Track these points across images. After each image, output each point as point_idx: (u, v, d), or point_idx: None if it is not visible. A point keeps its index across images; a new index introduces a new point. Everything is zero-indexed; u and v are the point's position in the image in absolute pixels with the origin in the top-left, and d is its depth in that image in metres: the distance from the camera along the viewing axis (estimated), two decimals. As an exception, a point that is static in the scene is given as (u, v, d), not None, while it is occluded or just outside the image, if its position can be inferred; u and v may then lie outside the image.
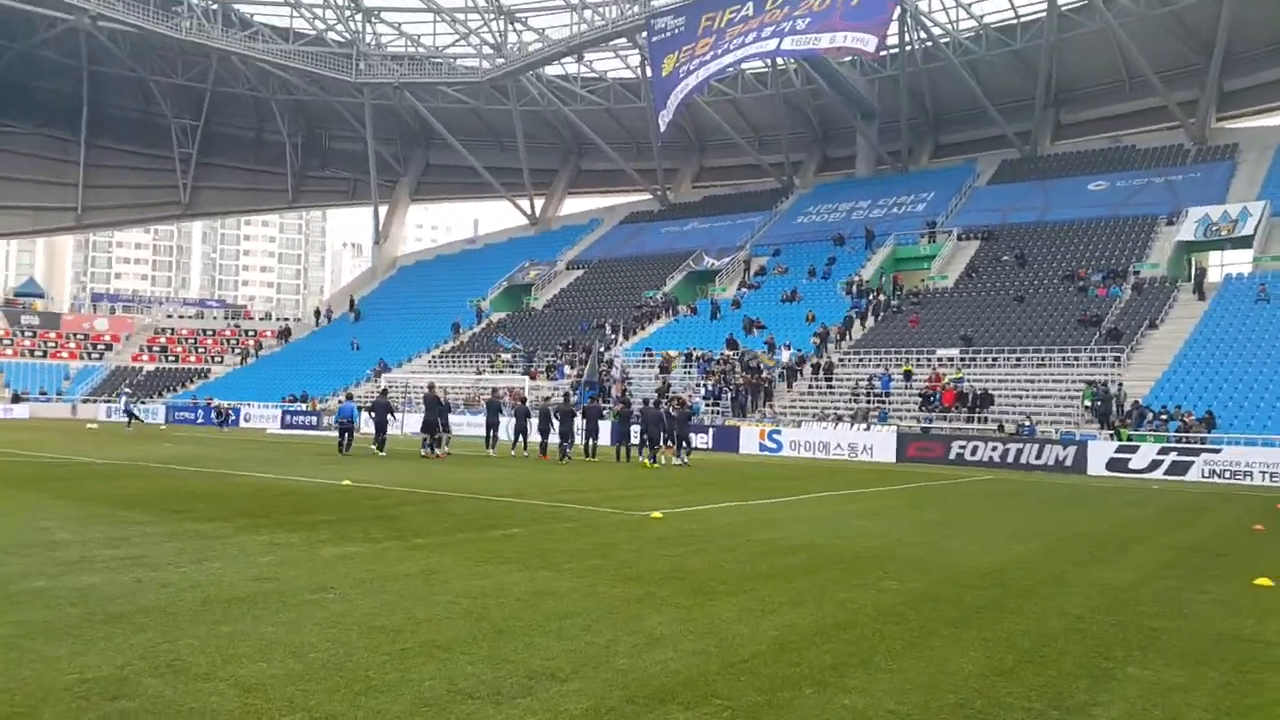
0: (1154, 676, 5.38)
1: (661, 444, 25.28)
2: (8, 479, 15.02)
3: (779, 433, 33.79)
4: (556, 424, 26.08)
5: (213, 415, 45.41)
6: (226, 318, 71.37)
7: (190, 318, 70.71)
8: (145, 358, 62.83)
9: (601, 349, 45.59)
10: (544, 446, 26.50)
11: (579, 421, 27.18)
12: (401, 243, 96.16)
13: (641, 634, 5.77)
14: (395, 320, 62.53)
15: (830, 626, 6.25)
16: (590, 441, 26.43)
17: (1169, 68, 51.34)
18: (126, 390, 47.12)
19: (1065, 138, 58.84)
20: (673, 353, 43.84)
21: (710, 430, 35.02)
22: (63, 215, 71.62)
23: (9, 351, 60.48)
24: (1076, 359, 36.16)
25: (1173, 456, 26.91)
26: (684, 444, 25.54)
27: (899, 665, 5.35)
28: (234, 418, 46.33)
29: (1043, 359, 36.84)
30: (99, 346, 63.86)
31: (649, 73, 55.51)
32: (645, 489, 16.82)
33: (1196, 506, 17.38)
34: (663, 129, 50.59)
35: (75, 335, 64.20)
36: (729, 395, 38.79)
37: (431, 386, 27.27)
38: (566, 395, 30.65)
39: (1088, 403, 31.45)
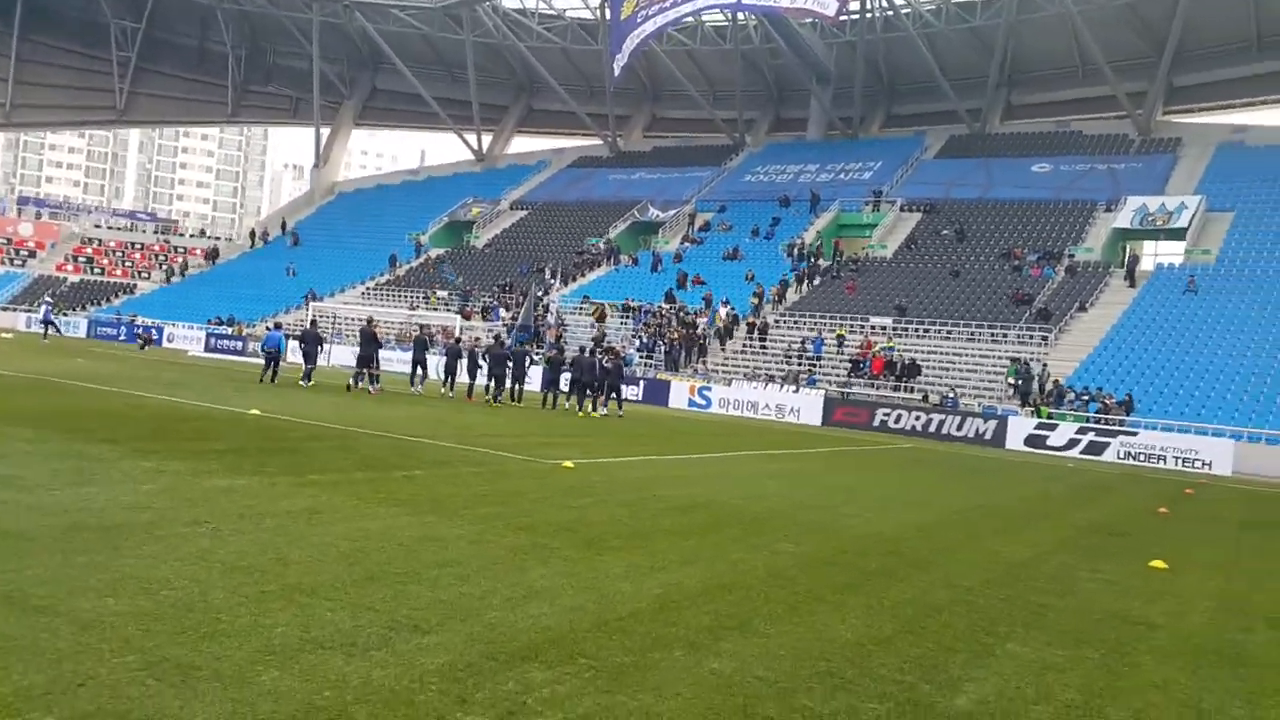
0: (1033, 654, 5.39)
1: (590, 394, 25.37)
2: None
3: (709, 389, 33.87)
4: (485, 366, 25.80)
5: (134, 333, 43.98)
6: (157, 232, 69.08)
7: (120, 229, 68.29)
8: (70, 268, 60.68)
9: (539, 293, 45.13)
10: (470, 389, 26.22)
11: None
12: (345, 169, 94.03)
13: (521, 586, 5.62)
14: (331, 248, 61.11)
15: (716, 587, 6.17)
16: (517, 387, 26.12)
17: (1122, 58, 51.80)
18: (48, 300, 45.34)
19: (1015, 118, 59.25)
20: (605, 303, 43.57)
21: (641, 383, 34.96)
22: (-12, 110, 68.48)
23: (-78, 251, 57.99)
24: (1005, 336, 36.77)
25: (1090, 436, 27.56)
26: (615, 395, 25.46)
27: (777, 630, 5.29)
28: (156, 338, 45.04)
29: (973, 333, 37.39)
30: (22, 253, 61.49)
31: (608, 15, 54.40)
32: (565, 438, 16.68)
33: (1106, 486, 17.80)
34: (616, 73, 49.76)
35: (-4, 239, 61.72)
36: (662, 349, 38.71)
37: (370, 321, 26.77)
38: (498, 337, 30.19)
39: (1010, 379, 32.00)
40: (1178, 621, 6.61)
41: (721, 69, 62.91)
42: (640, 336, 40.43)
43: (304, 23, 65.31)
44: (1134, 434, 27.14)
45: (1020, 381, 31.61)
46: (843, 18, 52.95)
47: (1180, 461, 25.85)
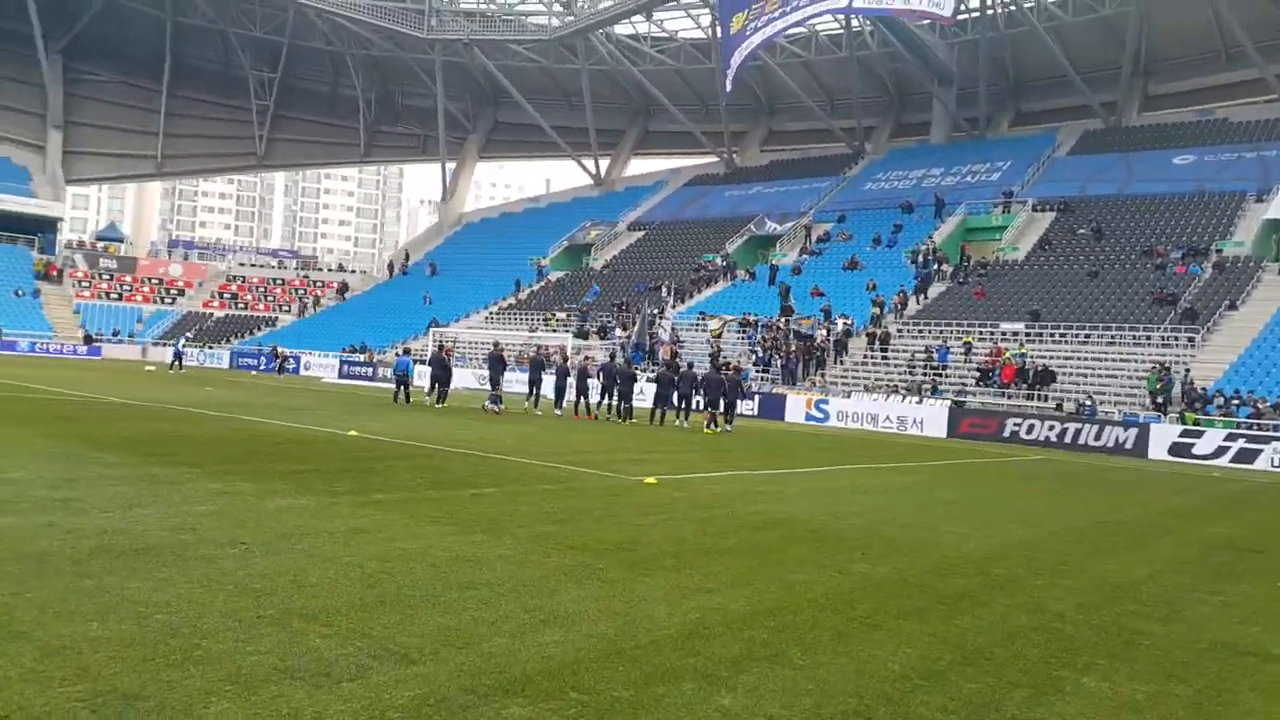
0: (1110, 690, 4.71)
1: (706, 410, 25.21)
2: (11, 415, 15.09)
3: (826, 403, 32.93)
4: (598, 384, 26.09)
5: (273, 361, 46.09)
6: (297, 268, 72.45)
7: (262, 267, 71.97)
8: (215, 304, 64.18)
9: (654, 311, 44.95)
10: (577, 405, 26.24)
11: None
12: (475, 200, 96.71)
13: (543, 611, 5.27)
14: (457, 276, 62.77)
15: (762, 612, 5.67)
16: (623, 404, 25.99)
17: (1268, 38, 48.32)
18: (187, 335, 48.38)
19: (1153, 109, 55.91)
20: (716, 318, 43.12)
21: (756, 397, 34.28)
22: (143, 163, 73.27)
23: (86, 293, 62.21)
24: (1148, 338, 34.47)
25: (1240, 443, 25.43)
26: (728, 410, 25.02)
27: (814, 660, 4.77)
28: (293, 365, 47.04)
29: (1113, 337, 35.21)
30: (172, 291, 65.37)
31: (719, 33, 54.18)
32: (662, 454, 16.31)
33: (1252, 498, 16.24)
34: (728, 88, 49.41)
35: (150, 280, 65.78)
36: (779, 362, 37.94)
37: (496, 345, 27.99)
38: (613, 355, 30.23)
39: (1151, 389, 29.87)
40: (1300, 650, 5.73)
41: (837, 78, 61.77)
42: (756, 350, 39.75)
43: (428, 64, 67.51)
44: (1291, 439, 24.88)
45: (1159, 389, 29.47)
46: (960, 17, 51.38)
47: (1345, 468, 23.55)
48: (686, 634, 5.04)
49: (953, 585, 6.91)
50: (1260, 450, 25.09)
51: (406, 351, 36.50)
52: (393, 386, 27.97)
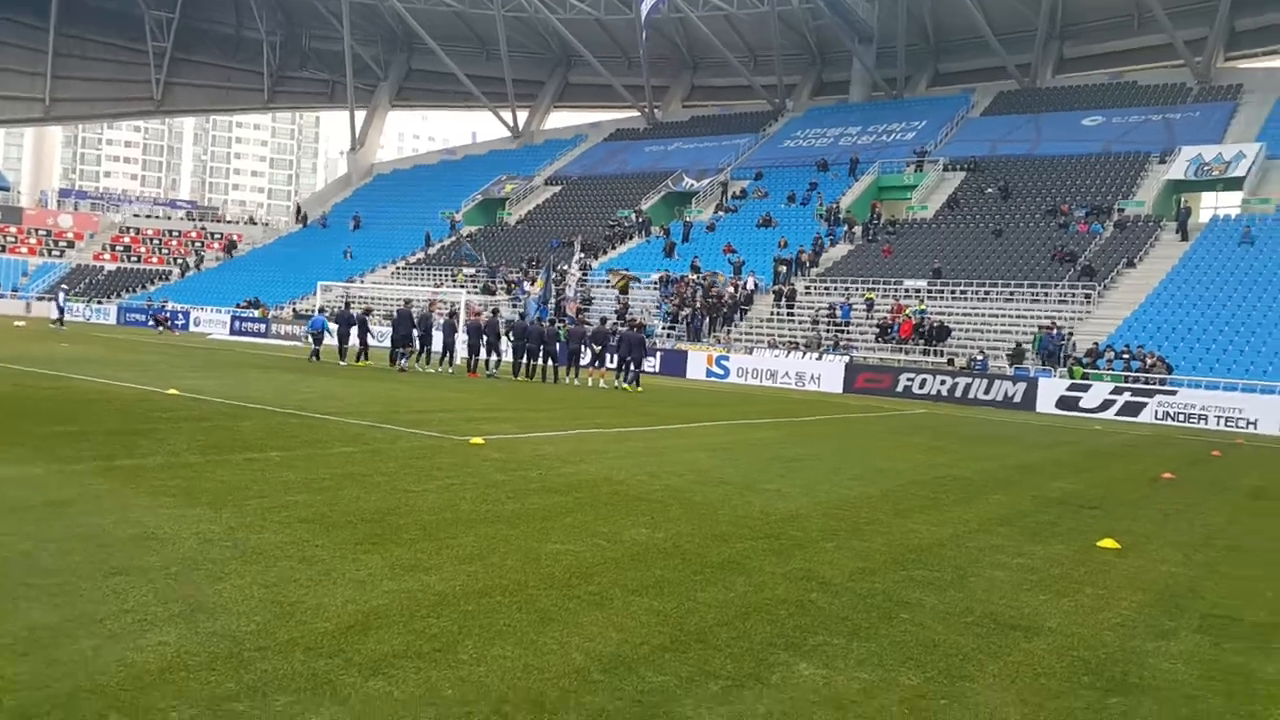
0: (823, 679, 4.07)
1: (594, 365, 24.62)
2: None
3: (727, 359, 32.47)
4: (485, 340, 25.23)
5: (151, 318, 44.15)
6: (194, 219, 69.55)
7: (158, 218, 68.88)
8: (107, 256, 61.31)
9: (564, 267, 43.96)
10: (471, 363, 25.43)
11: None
12: (396, 151, 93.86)
13: (183, 602, 4.42)
14: (365, 230, 60.77)
15: (472, 592, 4.94)
16: (492, 357, 25.23)
17: (1179, 4, 48.72)
18: (64, 288, 46.19)
19: (1067, 71, 56.22)
20: (625, 272, 42.39)
21: (658, 354, 33.68)
22: (30, 105, 69.40)
23: (-37, 244, 59.08)
24: (1046, 296, 34.65)
25: (1126, 397, 25.63)
26: (628, 368, 24.38)
27: (481, 654, 4.04)
28: (175, 321, 45.16)
29: (1010, 294, 35.31)
30: (60, 244, 62.30)
31: (636, -20, 52.79)
32: (525, 412, 15.53)
33: (1120, 451, 16.07)
34: (641, 36, 48.16)
35: (38, 231, 62.61)
36: (684, 319, 37.38)
37: (407, 302, 28.44)
38: (495, 311, 29.35)
39: (1035, 353, 29.90)
40: (1076, 623, 5.19)
41: (761, 33, 60.77)
42: (661, 306, 39.12)
43: (337, 5, 64.77)
44: (1173, 393, 25.11)
45: (1045, 351, 29.58)
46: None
47: (1223, 421, 23.86)
48: (348, 626, 4.28)
49: (727, 551, 6.27)
50: (1145, 404, 25.29)
51: (321, 310, 35.35)
52: (299, 344, 27.51)
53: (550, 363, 24.91)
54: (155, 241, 63.90)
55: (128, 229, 64.93)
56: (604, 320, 28.18)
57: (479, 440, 10.90)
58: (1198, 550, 7.49)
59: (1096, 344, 29.71)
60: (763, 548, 6.45)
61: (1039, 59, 54.18)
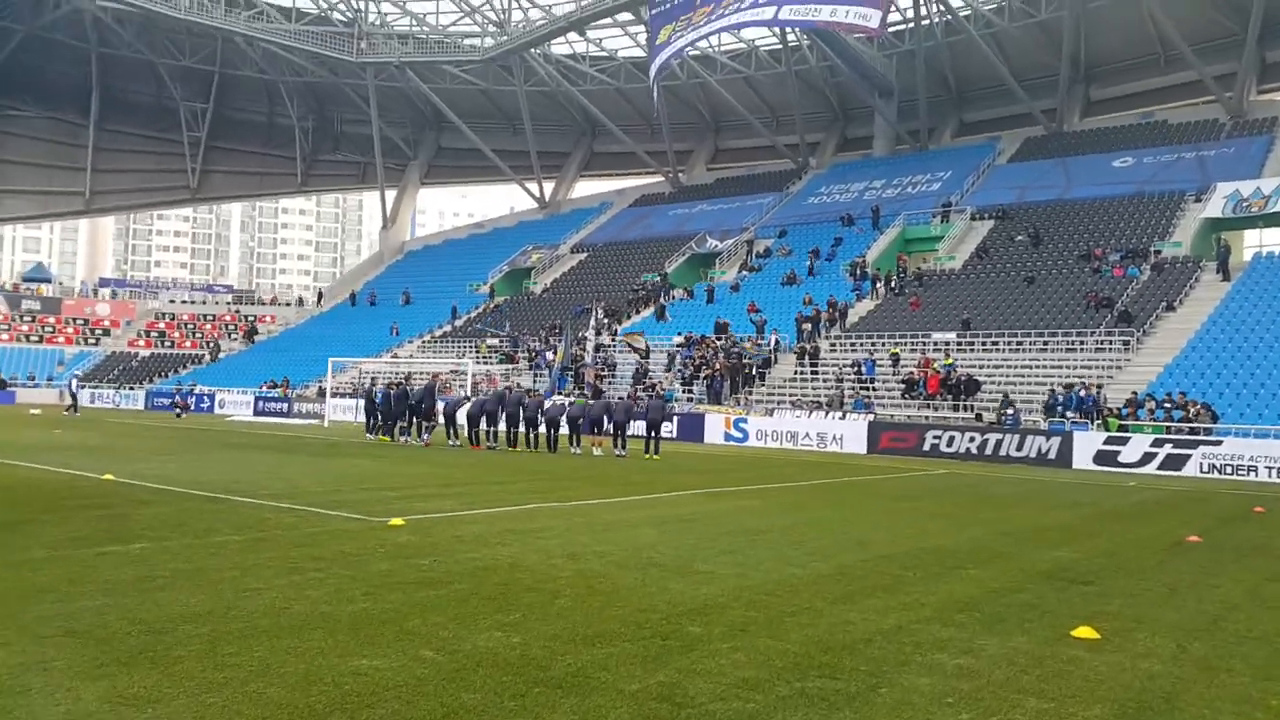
0: None
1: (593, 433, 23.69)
2: None
3: (745, 421, 31.16)
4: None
5: (173, 402, 44.07)
6: (230, 303, 70.23)
7: (194, 303, 69.64)
8: (141, 342, 61.83)
9: (584, 334, 43.13)
10: (472, 435, 24.66)
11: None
12: (437, 226, 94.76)
13: None
14: (394, 305, 60.82)
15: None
16: (513, 431, 24.37)
17: (1205, 39, 47.54)
18: (76, 375, 46.81)
19: (1095, 114, 54.93)
20: (639, 335, 41.50)
21: (675, 419, 32.47)
22: (71, 199, 71.13)
23: (4, 336, 59.82)
24: (1082, 344, 32.99)
25: (1167, 450, 23.84)
26: (620, 434, 23.36)
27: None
28: (205, 405, 44.94)
29: (1044, 343, 33.70)
30: (97, 331, 63.04)
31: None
32: (490, 487, 14.46)
33: (1145, 510, 14.51)
34: (654, 96, 48.02)
35: (75, 320, 63.47)
36: (704, 381, 36.21)
37: (408, 378, 29.39)
38: (509, 386, 28.67)
39: (1066, 412, 28.12)
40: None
41: (781, 94, 60.55)
42: (682, 370, 38.05)
43: (364, 89, 65.85)
44: (1218, 443, 23.29)
45: (1069, 405, 27.83)
46: (897, 28, 50.25)
47: (1274, 472, 21.95)
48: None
49: (583, 660, 5.12)
50: (1189, 455, 23.51)
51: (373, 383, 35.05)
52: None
53: (553, 432, 23.97)
54: (190, 326, 64.42)
55: (163, 315, 65.62)
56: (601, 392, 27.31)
57: (398, 521, 9.86)
58: (1197, 638, 6.14)
59: (1135, 393, 27.96)
60: (635, 653, 5.29)
61: (1064, 103, 53.05)
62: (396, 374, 41.23)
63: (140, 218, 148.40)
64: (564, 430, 24.29)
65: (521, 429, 24.24)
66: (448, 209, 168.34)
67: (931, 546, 9.76)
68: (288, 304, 75.19)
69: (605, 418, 23.89)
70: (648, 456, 22.59)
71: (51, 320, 62.64)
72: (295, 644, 5.27)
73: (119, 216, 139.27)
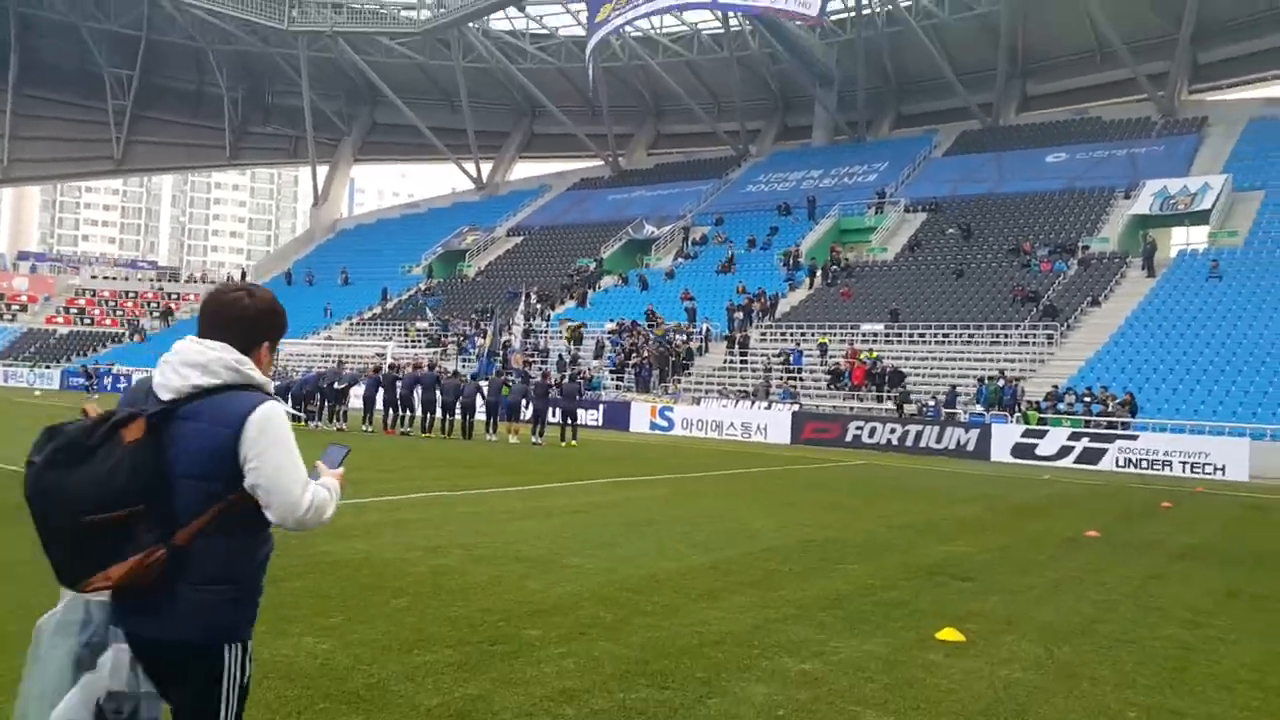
0: None
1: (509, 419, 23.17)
2: None
3: (671, 410, 30.80)
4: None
5: (99, 380, 42.60)
6: (155, 280, 68.03)
7: (116, 279, 67.25)
8: (60, 320, 59.59)
9: (509, 318, 42.42)
10: (387, 419, 24.03)
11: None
12: (358, 206, 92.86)
13: None
14: (320, 286, 59.33)
15: None
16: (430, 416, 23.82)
17: (1141, 38, 48.09)
18: None
19: (1031, 110, 55.46)
20: (574, 324, 41.06)
21: (600, 406, 32.02)
22: (-14, 167, 68.31)
23: (-86, 312, 57.45)
24: (1007, 337, 33.20)
25: (1084, 443, 23.97)
26: (538, 421, 22.84)
27: None
28: (101, 382, 43.97)
29: (970, 336, 33.85)
30: (14, 307, 60.65)
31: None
32: (383, 473, 13.86)
33: (1050, 504, 14.37)
34: (589, 73, 47.36)
35: (-10, 296, 61.13)
36: (632, 369, 35.80)
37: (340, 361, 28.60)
38: (432, 365, 27.94)
39: (980, 405, 28.22)
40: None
41: (723, 79, 60.00)
42: (611, 357, 37.59)
43: (297, 60, 63.98)
44: (1134, 438, 23.47)
45: (990, 398, 27.94)
46: (831, 18, 50.08)
47: (1188, 467, 22.16)
48: None
49: (389, 669, 4.59)
50: (1105, 450, 23.66)
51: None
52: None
53: (468, 418, 23.36)
54: (111, 304, 62.19)
55: (84, 291, 63.27)
56: (527, 377, 26.79)
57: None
58: (1067, 641, 5.80)
59: (1056, 386, 28.12)
60: (452, 661, 4.79)
61: (1001, 98, 53.43)
62: (327, 358, 40.24)
63: (68, 190, 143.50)
64: (480, 416, 23.74)
65: (438, 414, 23.62)
66: (387, 188, 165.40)
67: (821, 539, 9.39)
68: (212, 282, 73.04)
69: (524, 403, 23.38)
70: (565, 444, 22.11)
71: (-35, 296, 60.22)
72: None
73: (45, 188, 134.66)
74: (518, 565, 7.27)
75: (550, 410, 23.64)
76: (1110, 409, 25.68)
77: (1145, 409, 25.91)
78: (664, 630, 5.53)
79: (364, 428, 24.07)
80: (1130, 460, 23.14)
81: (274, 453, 2.38)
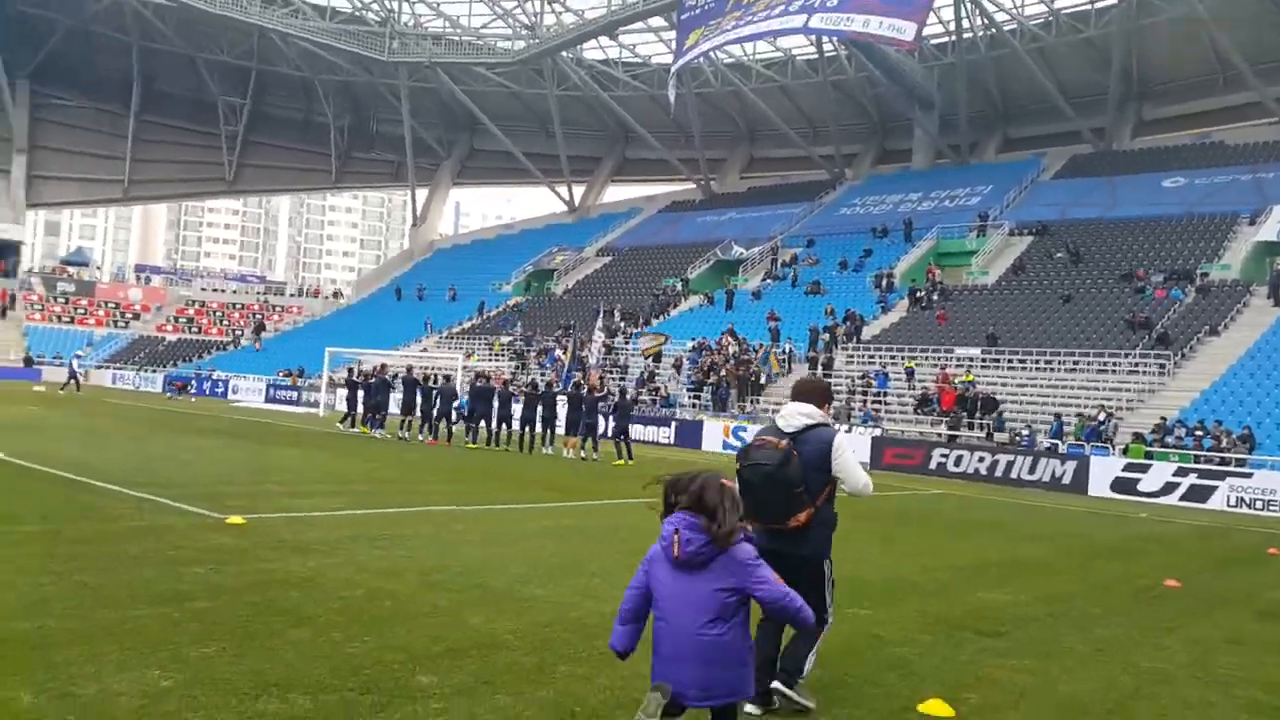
0: None
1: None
2: None
3: (745, 430, 29.59)
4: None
5: (199, 384, 44.32)
6: (262, 293, 70.28)
7: (225, 292, 69.85)
8: (169, 328, 62.04)
9: (584, 335, 41.84)
10: (434, 429, 23.63)
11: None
12: (463, 228, 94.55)
13: None
14: (415, 302, 60.28)
15: None
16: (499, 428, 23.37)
17: (1268, 60, 45.04)
18: (78, 355, 47.86)
19: (1147, 134, 52.48)
20: (650, 336, 40.27)
21: (673, 424, 31.14)
22: (110, 187, 71.53)
23: (38, 316, 60.42)
24: (1116, 365, 31.00)
25: (1191, 480, 21.90)
26: (589, 435, 22.07)
27: None
28: (195, 387, 45.68)
29: (1075, 363, 31.77)
30: (127, 315, 63.42)
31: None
32: (399, 484, 13.24)
33: (1134, 546, 12.79)
34: (671, 96, 46.74)
35: (107, 304, 63.93)
36: (710, 388, 34.80)
37: (409, 369, 27.81)
38: (483, 375, 27.64)
39: (1078, 436, 26.25)
40: None
41: (818, 104, 58.77)
42: (691, 376, 36.70)
43: (398, 89, 65.47)
44: (1248, 475, 21.33)
45: (1087, 433, 25.96)
46: (930, 40, 48.43)
47: (1309, 510, 19.96)
48: None
49: (225, 717, 3.79)
50: (1215, 487, 21.55)
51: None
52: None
53: (527, 430, 22.83)
54: (219, 314, 64.57)
55: (194, 302, 65.83)
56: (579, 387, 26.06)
57: (238, 520, 8.63)
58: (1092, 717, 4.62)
59: (1164, 419, 25.99)
60: (307, 713, 3.95)
61: (1114, 121, 50.83)
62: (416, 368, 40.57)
63: (191, 210, 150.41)
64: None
65: (493, 425, 23.12)
66: (490, 211, 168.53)
67: (848, 577, 8.29)
68: (314, 296, 75.15)
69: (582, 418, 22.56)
70: (619, 462, 21.21)
71: (84, 303, 63.13)
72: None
73: (170, 207, 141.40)
74: (470, 594, 6.43)
75: (606, 425, 22.86)
76: (1225, 444, 23.53)
77: (1264, 446, 23.68)
78: (585, 686, 4.59)
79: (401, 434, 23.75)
80: (1243, 499, 21.02)
81: (846, 456, 4.75)
